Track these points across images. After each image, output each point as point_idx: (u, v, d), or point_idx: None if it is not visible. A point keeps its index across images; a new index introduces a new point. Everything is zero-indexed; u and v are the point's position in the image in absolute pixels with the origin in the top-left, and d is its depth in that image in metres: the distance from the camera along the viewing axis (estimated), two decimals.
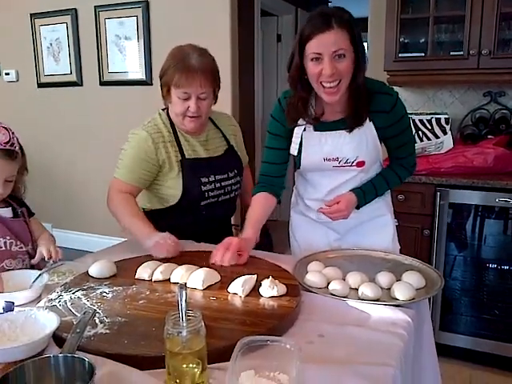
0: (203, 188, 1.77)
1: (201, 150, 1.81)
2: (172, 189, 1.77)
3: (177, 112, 1.73)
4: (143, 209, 1.85)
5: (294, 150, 1.63)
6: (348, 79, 1.45)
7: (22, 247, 1.54)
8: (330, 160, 1.59)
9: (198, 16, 3.57)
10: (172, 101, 1.72)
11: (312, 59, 1.43)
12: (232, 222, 2.08)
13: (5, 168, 1.46)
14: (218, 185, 1.81)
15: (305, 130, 1.60)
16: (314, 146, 1.60)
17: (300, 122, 1.60)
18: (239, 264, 1.46)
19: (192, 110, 1.69)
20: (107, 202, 1.75)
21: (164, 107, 1.84)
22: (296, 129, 1.61)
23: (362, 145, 1.56)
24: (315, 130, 1.60)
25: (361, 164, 1.59)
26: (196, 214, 1.81)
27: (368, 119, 1.55)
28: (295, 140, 1.62)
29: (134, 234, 1.68)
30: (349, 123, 1.55)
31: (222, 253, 1.46)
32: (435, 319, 2.53)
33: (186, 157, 1.77)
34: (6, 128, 1.46)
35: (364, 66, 1.46)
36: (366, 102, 1.51)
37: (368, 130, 1.56)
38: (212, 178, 1.79)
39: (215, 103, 1.81)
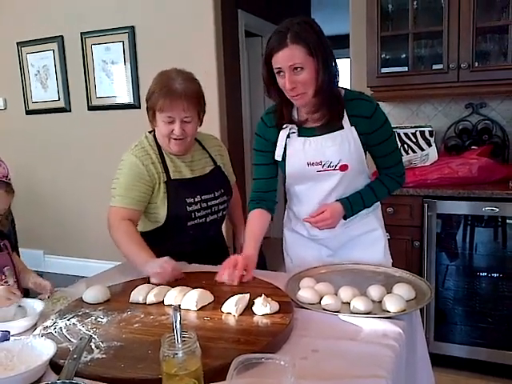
0: (189, 208, 1.79)
1: (186, 170, 1.84)
2: (159, 210, 1.79)
3: (162, 134, 1.76)
4: None
5: (278, 156, 1.67)
6: (312, 87, 1.52)
7: (6, 281, 1.52)
8: (313, 164, 1.63)
9: (183, 39, 3.63)
10: (157, 124, 1.76)
11: (277, 72, 1.54)
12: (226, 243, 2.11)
13: (2, 201, 1.47)
14: (204, 205, 1.83)
15: (289, 136, 1.65)
16: (298, 152, 1.64)
17: (285, 125, 1.65)
18: (245, 281, 1.49)
19: (176, 133, 1.72)
20: (109, 231, 1.74)
21: (150, 130, 1.87)
22: (281, 132, 1.66)
23: (344, 148, 1.60)
24: (299, 135, 1.65)
25: (344, 167, 1.62)
26: (183, 235, 1.83)
27: (350, 124, 1.60)
28: (280, 144, 1.66)
29: (132, 261, 1.68)
30: (326, 126, 1.60)
31: (231, 272, 1.48)
32: (429, 329, 2.55)
33: (172, 178, 1.80)
34: (2, 161, 1.48)
35: (328, 71, 1.52)
36: (336, 102, 1.58)
37: (350, 133, 1.60)
38: (198, 198, 1.81)
39: (200, 125, 1.85)
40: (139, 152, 1.79)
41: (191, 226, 1.82)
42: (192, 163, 1.87)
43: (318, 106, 1.58)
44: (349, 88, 1.69)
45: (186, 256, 1.79)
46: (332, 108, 1.58)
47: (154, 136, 1.84)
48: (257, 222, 1.69)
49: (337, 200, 1.66)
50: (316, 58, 1.49)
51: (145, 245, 1.68)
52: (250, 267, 1.52)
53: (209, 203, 1.84)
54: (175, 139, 1.75)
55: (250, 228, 1.68)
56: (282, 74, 1.52)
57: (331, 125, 1.60)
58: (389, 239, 1.85)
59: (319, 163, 1.62)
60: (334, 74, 1.55)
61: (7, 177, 1.47)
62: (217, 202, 1.87)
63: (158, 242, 1.80)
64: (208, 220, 1.86)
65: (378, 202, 1.80)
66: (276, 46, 1.50)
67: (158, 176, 1.78)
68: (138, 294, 1.42)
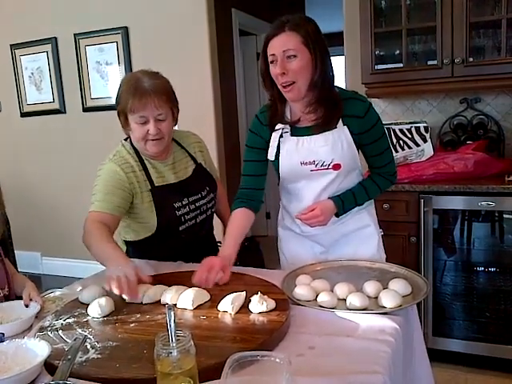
0: (178, 213, 1.76)
1: (169, 174, 1.80)
2: (148, 219, 1.75)
3: (138, 137, 1.69)
4: (125, 241, 1.85)
5: (271, 155, 1.67)
6: (304, 79, 1.52)
7: None
8: (306, 164, 1.63)
9: (177, 39, 3.62)
10: (131, 128, 1.70)
11: (271, 62, 1.54)
12: (216, 239, 2.09)
13: None
14: (192, 206, 1.80)
15: (282, 136, 1.65)
16: (291, 151, 1.64)
17: (277, 126, 1.65)
18: (221, 283, 1.46)
19: (152, 132, 1.66)
20: (82, 237, 1.61)
21: (126, 137, 1.81)
22: (274, 133, 1.66)
23: (336, 147, 1.60)
24: (292, 135, 1.64)
25: (337, 167, 1.62)
26: (176, 240, 1.80)
27: (342, 123, 1.59)
28: (272, 144, 1.66)
29: (102, 259, 1.52)
30: (321, 126, 1.60)
31: (205, 274, 1.45)
32: (427, 325, 2.55)
33: (156, 185, 1.75)
34: None
35: (324, 66, 1.53)
36: (335, 106, 1.58)
37: (343, 133, 1.60)
38: (185, 201, 1.78)
39: (176, 124, 1.79)
40: (119, 160, 1.73)
41: (183, 230, 1.79)
42: (174, 165, 1.83)
43: (316, 105, 1.58)
44: (342, 87, 1.69)
45: (180, 257, 1.78)
46: (330, 111, 1.58)
47: (131, 143, 1.78)
48: (239, 221, 1.67)
49: (329, 197, 1.66)
50: (310, 50, 1.50)
51: (117, 245, 1.57)
52: (226, 268, 1.49)
53: (197, 204, 1.82)
54: (152, 140, 1.68)
55: (231, 227, 1.66)
56: (275, 62, 1.52)
57: (324, 125, 1.60)
58: (385, 235, 1.85)
59: (312, 162, 1.62)
60: (329, 72, 1.56)
61: None
62: (205, 201, 1.85)
63: (151, 249, 1.78)
64: (198, 220, 1.84)
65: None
66: (273, 33, 1.52)
67: (139, 185, 1.72)
68: None
